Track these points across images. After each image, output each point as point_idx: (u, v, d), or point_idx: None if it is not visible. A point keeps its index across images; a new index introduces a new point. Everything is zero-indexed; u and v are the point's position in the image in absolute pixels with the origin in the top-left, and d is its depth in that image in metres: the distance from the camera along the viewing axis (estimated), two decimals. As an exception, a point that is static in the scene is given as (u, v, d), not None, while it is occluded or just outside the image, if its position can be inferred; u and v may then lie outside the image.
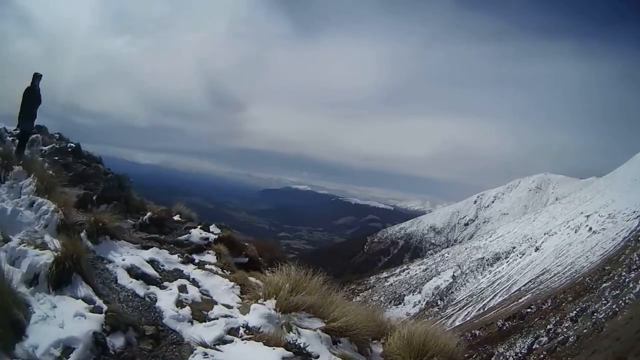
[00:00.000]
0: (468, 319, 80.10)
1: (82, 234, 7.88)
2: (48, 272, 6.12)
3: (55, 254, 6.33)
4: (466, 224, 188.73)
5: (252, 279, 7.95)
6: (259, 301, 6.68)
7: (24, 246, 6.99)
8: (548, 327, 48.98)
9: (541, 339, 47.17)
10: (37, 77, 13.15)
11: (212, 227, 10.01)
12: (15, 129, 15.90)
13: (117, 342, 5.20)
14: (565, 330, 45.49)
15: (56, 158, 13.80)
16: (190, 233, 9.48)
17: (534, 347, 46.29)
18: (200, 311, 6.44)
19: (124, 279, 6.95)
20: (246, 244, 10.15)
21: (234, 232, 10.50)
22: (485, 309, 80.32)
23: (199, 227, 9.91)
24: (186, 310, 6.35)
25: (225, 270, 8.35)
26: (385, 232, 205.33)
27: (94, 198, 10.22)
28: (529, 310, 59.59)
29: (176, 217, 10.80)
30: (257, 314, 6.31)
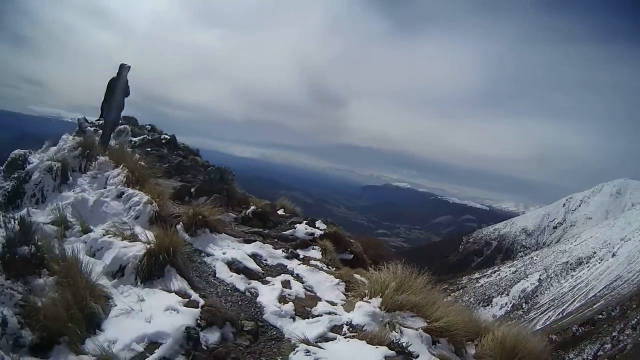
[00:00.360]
0: (547, 323, 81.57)
1: (179, 226, 7.99)
2: (137, 264, 6.20)
3: (148, 246, 6.41)
4: (555, 227, 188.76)
5: (357, 276, 7.84)
6: (364, 299, 6.56)
7: (109, 237, 7.18)
8: (613, 334, 51.81)
9: (606, 345, 50.35)
10: (124, 68, 13.42)
11: (318, 223, 9.93)
12: (98, 120, 16.30)
13: (211, 337, 5.16)
14: (625, 337, 48.74)
15: (149, 149, 14.13)
16: (295, 228, 9.45)
17: (598, 354, 49.72)
18: (304, 307, 6.36)
19: (224, 273, 6.96)
20: (351, 240, 10.06)
21: (340, 228, 10.33)
22: (564, 314, 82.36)
23: (305, 222, 9.87)
24: (289, 306, 6.29)
25: (330, 267, 8.26)
26: (480, 232, 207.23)
27: (192, 190, 10.35)
28: (600, 316, 62.15)
29: (280, 212, 10.79)
30: (362, 312, 6.19)
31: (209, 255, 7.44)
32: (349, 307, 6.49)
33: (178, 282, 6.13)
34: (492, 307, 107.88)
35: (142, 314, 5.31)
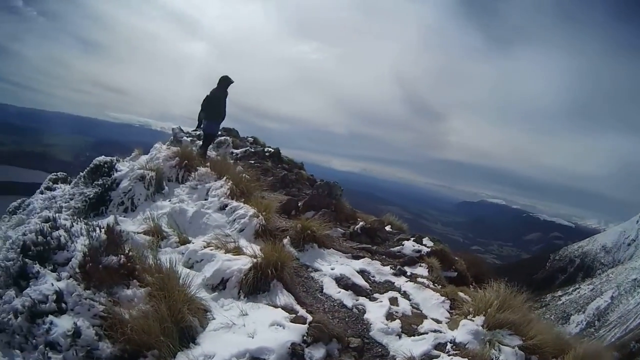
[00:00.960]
0: (613, 340, 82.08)
1: (286, 241, 8.20)
2: (242, 277, 6.43)
3: (254, 260, 6.66)
4: (629, 244, 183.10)
5: (461, 294, 7.95)
6: (468, 317, 6.72)
7: (211, 249, 7.47)
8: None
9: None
10: (224, 80, 13.83)
11: (425, 240, 10.11)
12: (195, 130, 16.95)
13: (316, 353, 5.26)
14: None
15: (252, 162, 14.41)
16: (403, 245, 9.61)
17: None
18: (410, 325, 6.50)
19: (331, 289, 7.14)
20: (455, 258, 10.20)
21: (446, 246, 10.49)
22: (627, 331, 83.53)
23: (412, 239, 10.04)
24: (396, 323, 6.42)
25: (436, 284, 8.37)
26: (565, 249, 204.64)
27: (299, 204, 10.54)
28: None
29: (387, 228, 10.92)
30: (465, 330, 6.35)
31: (316, 270, 7.60)
32: (453, 325, 6.65)
33: (284, 297, 6.28)
34: (569, 324, 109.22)
35: (244, 329, 5.41)
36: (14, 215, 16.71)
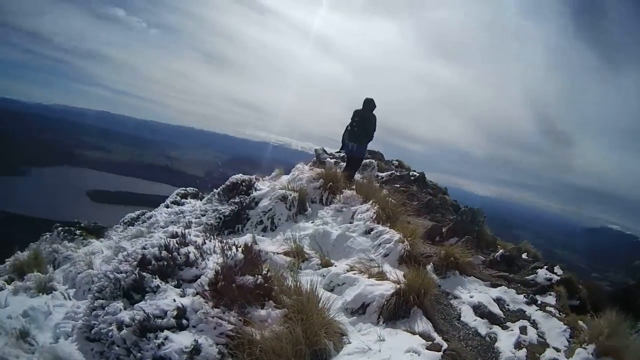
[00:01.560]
0: None
1: (429, 267, 8.40)
2: (384, 303, 6.62)
3: (397, 286, 6.88)
4: None
5: (580, 322, 8.01)
6: (582, 345, 6.96)
7: (354, 273, 7.72)
8: None
9: None
10: (369, 102, 14.16)
11: (556, 268, 10.16)
12: (338, 151, 17.52)
13: None
14: None
15: (397, 186, 14.58)
16: (537, 273, 9.69)
17: None
18: (534, 353, 6.71)
19: (468, 317, 7.30)
20: (579, 286, 10.12)
21: (574, 274, 10.49)
22: None
23: (545, 267, 10.10)
24: (522, 352, 6.64)
25: (561, 313, 8.43)
26: None
27: (443, 230, 10.66)
28: None
29: (524, 256, 10.96)
30: (578, 359, 6.61)
31: (456, 297, 7.83)
32: (570, 353, 6.84)
33: (423, 324, 6.44)
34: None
35: (379, 355, 5.55)
36: (131, 227, 18.60)
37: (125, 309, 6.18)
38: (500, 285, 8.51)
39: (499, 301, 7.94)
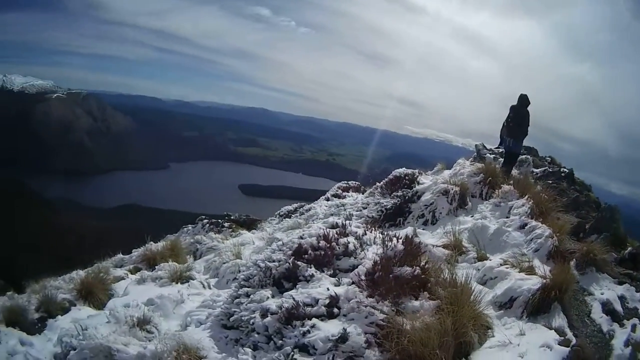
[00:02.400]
0: None
1: (572, 263, 8.55)
2: (530, 297, 6.96)
3: (544, 281, 7.18)
4: None
5: None
6: None
7: (506, 267, 8.13)
8: None
9: None
10: (524, 99, 14.45)
11: None
12: (497, 147, 17.57)
13: None
14: None
15: (549, 182, 14.61)
16: None
17: None
18: (636, 352, 6.66)
19: (596, 313, 7.43)
20: None
21: None
22: None
23: None
24: (628, 350, 6.64)
25: None
26: None
27: (586, 227, 10.76)
28: None
29: None
30: None
31: (590, 294, 7.94)
32: None
33: (559, 320, 6.71)
34: None
35: (517, 349, 5.84)
36: (287, 219, 19.18)
37: (273, 297, 6.83)
38: (625, 283, 8.53)
39: (622, 299, 7.98)
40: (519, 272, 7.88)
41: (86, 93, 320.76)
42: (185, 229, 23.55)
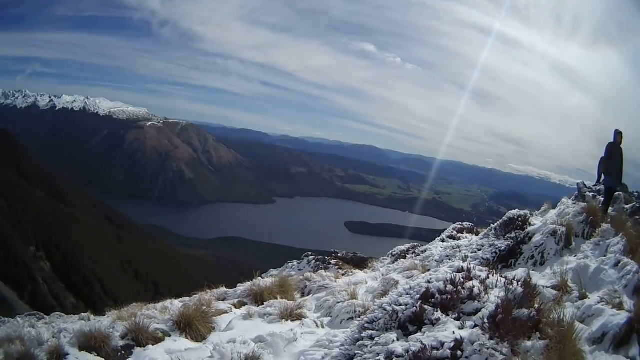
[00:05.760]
0: None
1: None
2: (617, 332, 7.33)
3: (629, 315, 7.50)
4: None
5: None
6: None
7: (602, 305, 8.47)
8: None
9: None
10: (617, 133, 15.12)
11: None
12: (595, 185, 18.13)
13: None
14: None
15: (637, 217, 14.85)
16: None
17: None
18: None
19: None
20: None
21: None
22: None
23: None
24: None
25: None
26: None
27: None
28: None
29: None
30: None
31: None
32: None
33: (636, 350, 7.07)
34: None
35: None
36: (401, 259, 19.88)
37: (398, 340, 6.98)
38: None
39: None
40: (612, 308, 8.24)
41: (185, 123, 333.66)
42: (290, 264, 24.77)
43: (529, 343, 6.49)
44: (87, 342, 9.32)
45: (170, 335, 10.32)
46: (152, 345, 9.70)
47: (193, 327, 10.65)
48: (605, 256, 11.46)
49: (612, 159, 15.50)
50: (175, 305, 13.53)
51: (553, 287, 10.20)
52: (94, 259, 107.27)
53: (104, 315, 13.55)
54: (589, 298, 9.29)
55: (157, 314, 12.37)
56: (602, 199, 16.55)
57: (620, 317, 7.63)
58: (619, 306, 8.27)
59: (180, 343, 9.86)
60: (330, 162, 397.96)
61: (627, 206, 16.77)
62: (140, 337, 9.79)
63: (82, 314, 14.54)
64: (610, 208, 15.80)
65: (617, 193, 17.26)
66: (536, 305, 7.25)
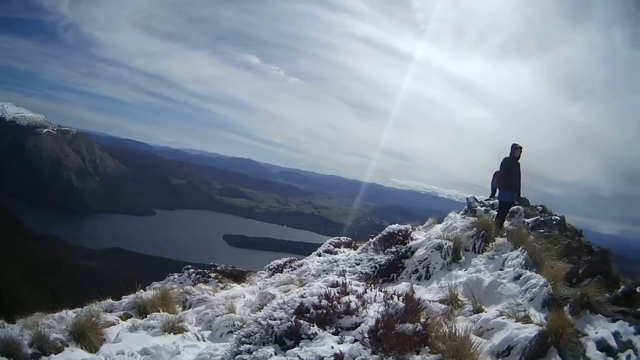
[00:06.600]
0: None
1: (566, 308, 8.88)
2: (526, 345, 7.31)
3: (539, 328, 7.55)
4: None
5: None
6: None
7: (503, 318, 8.43)
8: None
9: None
10: (516, 148, 14.92)
11: None
12: (487, 199, 18.12)
13: None
14: None
15: (541, 231, 14.86)
16: None
17: None
18: None
19: (591, 352, 7.67)
20: None
21: None
22: None
23: None
24: None
25: None
26: None
27: (579, 272, 10.85)
28: None
29: (638, 289, 11.26)
30: None
31: (584, 335, 8.13)
32: None
33: None
34: None
35: None
36: (278, 273, 19.75)
37: (275, 354, 7.06)
38: (618, 320, 8.76)
39: (615, 335, 8.27)
40: (515, 321, 8.24)
41: (76, 132, 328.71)
42: (171, 277, 24.25)
43: (417, 357, 6.48)
44: (4, 348, 9.52)
45: (68, 345, 10.48)
46: (55, 354, 9.87)
47: (86, 337, 10.88)
48: (502, 270, 11.34)
49: (510, 173, 15.12)
50: (70, 315, 13.40)
51: (441, 301, 10.07)
52: (2, 267, 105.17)
53: (15, 322, 13.48)
54: (485, 312, 9.27)
55: (55, 323, 12.36)
56: (496, 213, 16.13)
57: (528, 331, 7.64)
58: (525, 319, 8.31)
59: (77, 353, 10.14)
60: (208, 175, 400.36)
61: (528, 220, 16.73)
62: (44, 346, 9.98)
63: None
64: (507, 222, 15.66)
65: (515, 207, 17.25)
66: (422, 320, 7.26)
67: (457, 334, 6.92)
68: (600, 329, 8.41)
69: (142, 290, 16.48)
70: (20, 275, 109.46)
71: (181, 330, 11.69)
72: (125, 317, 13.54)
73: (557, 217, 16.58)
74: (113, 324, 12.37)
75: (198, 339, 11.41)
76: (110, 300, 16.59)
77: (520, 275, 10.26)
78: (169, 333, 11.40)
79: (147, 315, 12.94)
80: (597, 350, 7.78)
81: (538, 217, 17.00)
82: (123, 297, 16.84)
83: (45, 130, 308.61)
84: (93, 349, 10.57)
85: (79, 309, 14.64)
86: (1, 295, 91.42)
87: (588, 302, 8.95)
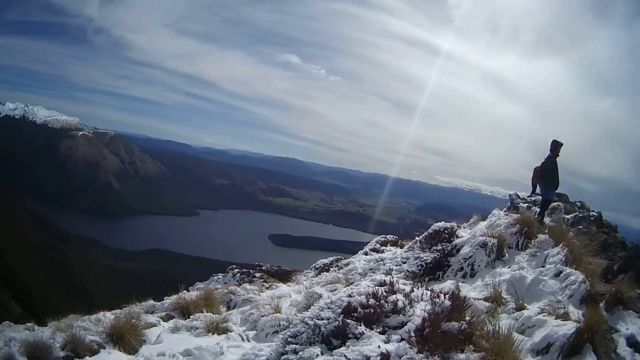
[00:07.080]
0: None
1: (601, 305, 9.09)
2: (565, 342, 7.39)
3: (577, 325, 7.62)
4: None
5: None
6: None
7: (543, 316, 8.52)
8: None
9: None
10: (557, 145, 14.90)
11: None
12: (529, 196, 18.23)
13: None
14: None
15: (580, 227, 14.83)
16: None
17: None
18: None
19: (621, 348, 7.96)
20: None
21: None
22: None
23: None
24: None
25: None
26: None
27: (614, 268, 11.01)
28: None
29: None
30: None
31: (616, 331, 8.39)
32: None
33: (591, 358, 7.25)
34: None
35: None
36: (325, 272, 19.50)
37: (322, 354, 7.04)
38: None
39: None
40: (555, 318, 8.31)
41: (114, 134, 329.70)
42: (215, 277, 24.41)
43: (462, 356, 6.39)
44: (33, 352, 9.42)
45: (104, 347, 10.36)
46: (89, 357, 9.70)
47: (125, 339, 10.73)
48: (543, 267, 11.37)
49: (547, 169, 15.24)
50: (107, 317, 13.10)
51: (485, 299, 10.05)
52: (32, 269, 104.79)
53: (46, 325, 13.37)
54: (527, 309, 9.23)
55: (92, 325, 12.13)
56: (538, 209, 16.44)
57: (567, 327, 7.66)
58: (564, 316, 8.34)
59: (114, 355, 10.05)
60: (253, 175, 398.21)
61: (567, 216, 16.73)
62: (78, 349, 9.87)
63: (27, 323, 14.31)
64: (547, 219, 15.67)
65: (556, 203, 17.24)
66: (467, 318, 7.14)
67: (500, 332, 6.92)
68: (630, 325, 8.70)
69: (185, 291, 16.35)
70: (52, 277, 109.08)
71: (225, 330, 11.59)
72: (167, 318, 13.56)
73: (594, 213, 16.59)
74: (154, 325, 12.37)
75: (242, 339, 11.35)
76: (151, 302, 16.63)
77: (561, 272, 10.34)
78: (213, 334, 11.35)
79: (190, 316, 12.93)
80: (627, 346, 8.04)
81: (577, 213, 16.98)
82: (165, 298, 16.83)
83: (81, 133, 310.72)
84: (132, 350, 10.57)
85: (117, 311, 14.81)
86: (31, 297, 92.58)
87: (621, 298, 9.13)
